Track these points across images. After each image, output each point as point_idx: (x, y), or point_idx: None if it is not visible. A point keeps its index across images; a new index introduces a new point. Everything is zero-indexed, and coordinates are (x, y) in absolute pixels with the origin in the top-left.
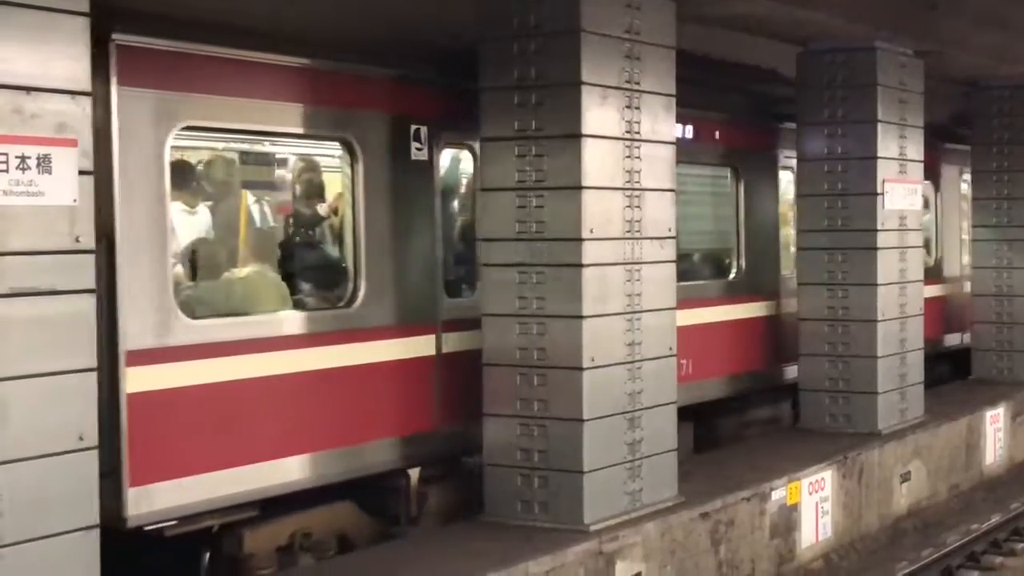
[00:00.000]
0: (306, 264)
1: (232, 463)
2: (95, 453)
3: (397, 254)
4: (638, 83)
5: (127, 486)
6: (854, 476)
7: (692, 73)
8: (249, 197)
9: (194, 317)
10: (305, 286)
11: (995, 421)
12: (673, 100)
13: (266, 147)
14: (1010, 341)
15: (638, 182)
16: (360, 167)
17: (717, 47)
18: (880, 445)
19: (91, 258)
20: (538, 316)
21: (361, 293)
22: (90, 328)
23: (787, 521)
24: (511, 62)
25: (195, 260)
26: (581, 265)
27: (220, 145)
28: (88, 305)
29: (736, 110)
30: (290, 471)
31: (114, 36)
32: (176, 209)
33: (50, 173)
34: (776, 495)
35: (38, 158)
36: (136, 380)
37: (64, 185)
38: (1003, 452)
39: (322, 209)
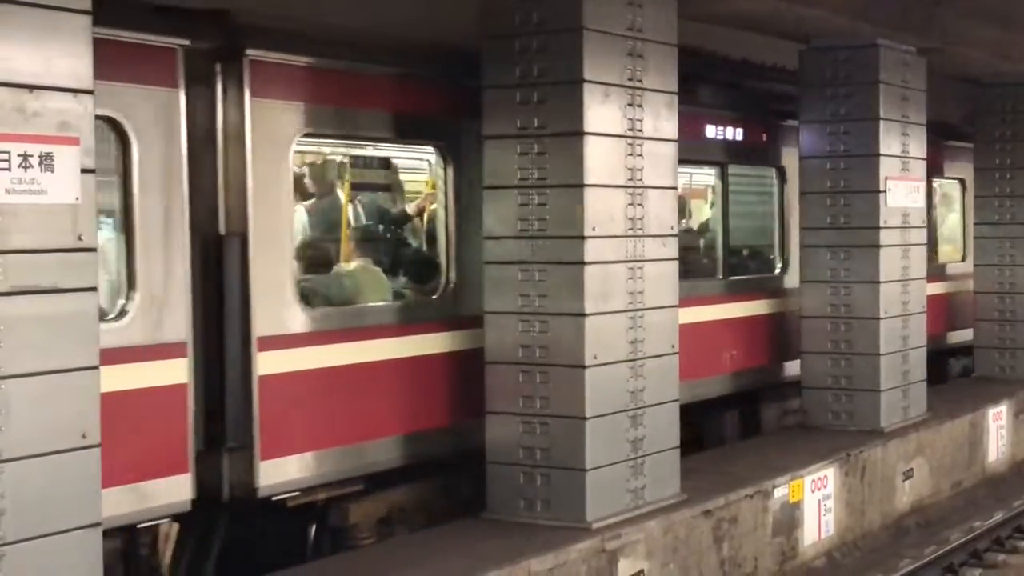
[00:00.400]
0: (402, 259)
1: (345, 440)
2: (97, 451)
3: (479, 249)
4: (640, 81)
5: (259, 459)
6: (857, 474)
7: (738, 77)
8: (351, 197)
9: (311, 306)
10: (402, 279)
11: (998, 418)
12: (675, 98)
13: (367, 151)
14: (1012, 338)
15: (640, 180)
16: (451, 169)
17: (725, 47)
18: (883, 442)
19: (94, 256)
20: (540, 314)
21: (452, 285)
22: (92, 326)
23: (790, 519)
24: (513, 60)
25: (311, 255)
26: (583, 263)
27: (328, 149)
28: (90, 303)
29: (777, 112)
30: (394, 449)
31: (248, 52)
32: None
33: (52, 171)
34: (779, 492)
35: (40, 156)
36: (266, 364)
37: (66, 183)
38: (1006, 449)
39: (410, 208)
